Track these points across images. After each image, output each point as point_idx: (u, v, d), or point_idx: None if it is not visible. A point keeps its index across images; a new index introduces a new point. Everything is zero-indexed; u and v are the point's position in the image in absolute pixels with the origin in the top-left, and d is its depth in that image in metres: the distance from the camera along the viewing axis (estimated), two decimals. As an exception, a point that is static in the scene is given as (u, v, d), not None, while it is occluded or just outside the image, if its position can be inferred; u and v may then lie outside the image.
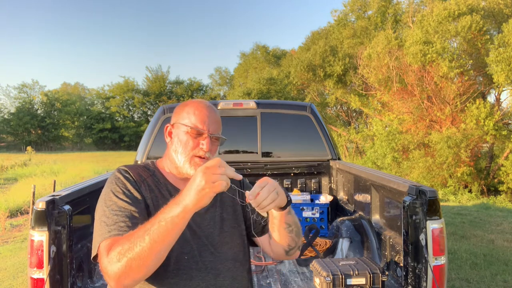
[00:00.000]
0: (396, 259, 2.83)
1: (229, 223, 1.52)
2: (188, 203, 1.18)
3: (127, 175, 1.44)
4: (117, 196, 1.36)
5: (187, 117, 1.47)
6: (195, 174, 1.19)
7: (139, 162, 4.42)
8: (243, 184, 1.63)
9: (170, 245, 1.23)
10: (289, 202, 1.41)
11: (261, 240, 1.59)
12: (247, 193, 1.29)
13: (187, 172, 1.45)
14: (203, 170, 1.18)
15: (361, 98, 21.39)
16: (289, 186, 4.79)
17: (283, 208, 1.41)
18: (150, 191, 1.43)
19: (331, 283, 2.60)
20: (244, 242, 1.56)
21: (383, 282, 2.63)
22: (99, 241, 1.28)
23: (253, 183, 1.36)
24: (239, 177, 1.27)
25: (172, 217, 1.19)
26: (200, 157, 1.45)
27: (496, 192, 14.88)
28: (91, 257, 1.35)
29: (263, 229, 1.58)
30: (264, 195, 1.27)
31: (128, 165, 1.50)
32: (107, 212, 1.33)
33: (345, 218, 3.86)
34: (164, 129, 1.53)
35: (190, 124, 1.45)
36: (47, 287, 2.21)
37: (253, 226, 1.56)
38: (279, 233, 1.49)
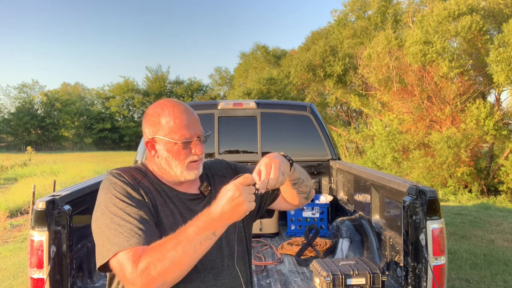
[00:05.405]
0: (396, 259, 2.83)
1: None
2: (224, 217, 1.22)
3: (122, 178, 1.39)
4: (121, 201, 1.32)
5: (168, 129, 1.41)
6: (231, 190, 1.21)
7: (139, 162, 4.41)
8: (236, 168, 1.66)
9: (203, 253, 1.25)
10: (291, 164, 1.45)
11: (276, 204, 1.67)
12: (257, 185, 1.32)
13: (186, 178, 1.45)
14: (238, 187, 1.20)
15: (361, 98, 21.38)
16: None
17: None
18: (148, 193, 1.40)
19: (331, 283, 2.60)
20: (241, 236, 1.55)
21: (383, 282, 2.63)
22: (115, 250, 1.24)
23: None
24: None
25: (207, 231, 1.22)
26: (194, 161, 1.45)
27: (496, 192, 14.87)
28: (97, 267, 1.30)
29: (273, 196, 1.65)
30: (273, 183, 1.31)
31: (120, 168, 1.45)
32: (115, 219, 1.29)
33: (345, 218, 3.86)
34: (145, 143, 1.47)
35: (178, 139, 1.40)
36: (47, 287, 2.21)
37: (265, 201, 1.64)
38: (291, 191, 1.56)
